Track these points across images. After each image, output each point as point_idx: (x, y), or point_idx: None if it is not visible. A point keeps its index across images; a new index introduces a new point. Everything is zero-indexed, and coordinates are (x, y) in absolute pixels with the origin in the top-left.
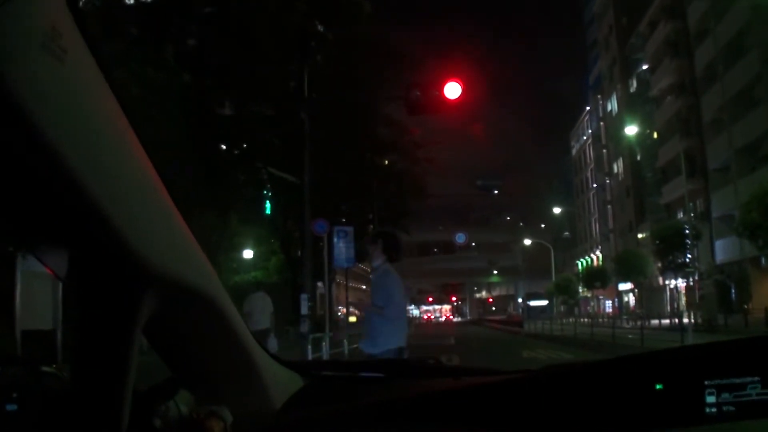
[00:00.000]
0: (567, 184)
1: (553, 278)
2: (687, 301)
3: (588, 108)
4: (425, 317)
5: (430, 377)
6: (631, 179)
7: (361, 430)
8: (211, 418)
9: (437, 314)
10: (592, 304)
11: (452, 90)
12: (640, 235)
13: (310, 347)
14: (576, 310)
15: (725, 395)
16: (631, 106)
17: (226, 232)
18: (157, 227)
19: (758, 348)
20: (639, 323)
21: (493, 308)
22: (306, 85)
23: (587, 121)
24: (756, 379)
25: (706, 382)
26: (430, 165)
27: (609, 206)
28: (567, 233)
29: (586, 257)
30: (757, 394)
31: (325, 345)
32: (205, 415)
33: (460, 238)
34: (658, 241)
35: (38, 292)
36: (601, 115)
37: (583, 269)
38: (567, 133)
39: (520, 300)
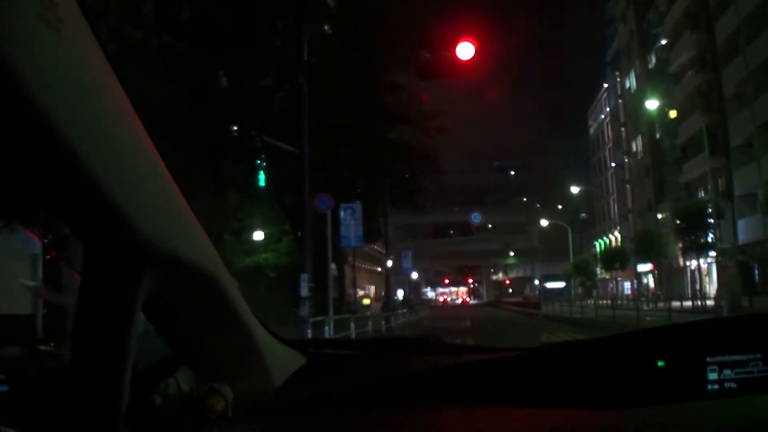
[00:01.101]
0: (585, 164)
1: (571, 260)
2: (720, 282)
3: (606, 85)
4: (441, 299)
5: (431, 354)
6: (651, 158)
7: (361, 408)
8: (212, 395)
9: (453, 296)
10: (611, 285)
11: (465, 50)
12: (659, 215)
13: (310, 331)
14: (594, 291)
15: (727, 372)
16: (650, 83)
17: (228, 210)
18: (156, 204)
19: (759, 325)
20: (661, 305)
21: (510, 290)
22: (305, 47)
23: (605, 99)
24: (758, 356)
25: (707, 359)
26: (442, 135)
27: (627, 186)
28: (584, 215)
29: (604, 238)
30: (759, 371)
31: (328, 329)
32: (206, 393)
33: (476, 218)
34: (678, 221)
35: (15, 273)
36: (619, 92)
37: (601, 250)
38: (585, 112)
39: (536, 282)
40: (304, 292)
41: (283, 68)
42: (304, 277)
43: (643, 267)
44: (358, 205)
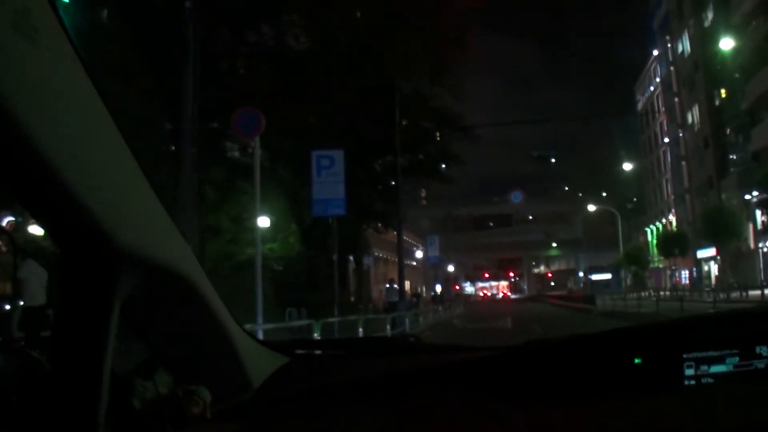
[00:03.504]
0: (632, 145)
1: (621, 248)
2: None
3: (656, 53)
4: (481, 294)
5: (410, 355)
6: (710, 127)
7: (338, 408)
8: (190, 397)
9: (494, 291)
10: (669, 273)
11: None
12: (723, 195)
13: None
14: (649, 282)
15: (703, 367)
16: (707, 42)
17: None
18: (132, 207)
19: (735, 321)
20: (735, 295)
21: (552, 283)
22: None
23: (654, 69)
24: (734, 351)
25: (684, 356)
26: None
27: (683, 162)
28: (631, 203)
29: (656, 223)
30: (735, 366)
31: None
32: (184, 395)
33: (516, 197)
34: (756, 193)
35: None
36: (671, 58)
37: (659, 235)
38: (630, 89)
39: (581, 274)
40: None
41: None
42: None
43: (703, 253)
44: (338, 154)
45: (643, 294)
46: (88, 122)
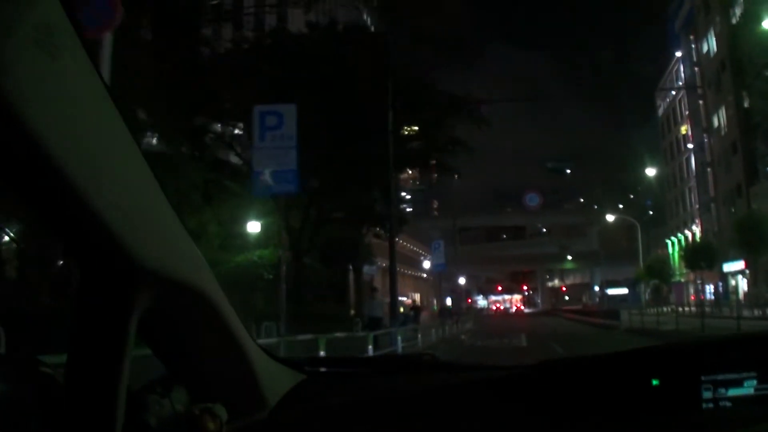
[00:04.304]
0: (651, 153)
1: (641, 261)
2: None
3: (678, 54)
4: (494, 307)
5: (426, 373)
6: (739, 131)
7: (355, 427)
8: (206, 415)
9: (507, 304)
10: (693, 287)
11: None
12: (753, 204)
13: None
14: (671, 297)
15: (721, 391)
16: (736, 39)
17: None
18: (150, 223)
19: (754, 344)
20: None
21: (566, 297)
22: None
23: (676, 71)
24: (752, 374)
25: (702, 378)
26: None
27: (709, 169)
28: (650, 214)
29: (678, 234)
30: (755, 389)
31: None
32: (200, 413)
33: (533, 199)
34: None
35: None
36: (695, 59)
37: (684, 246)
38: (649, 96)
39: (596, 288)
40: None
41: None
42: None
43: (730, 266)
44: (289, 110)
45: (665, 309)
46: (107, 138)
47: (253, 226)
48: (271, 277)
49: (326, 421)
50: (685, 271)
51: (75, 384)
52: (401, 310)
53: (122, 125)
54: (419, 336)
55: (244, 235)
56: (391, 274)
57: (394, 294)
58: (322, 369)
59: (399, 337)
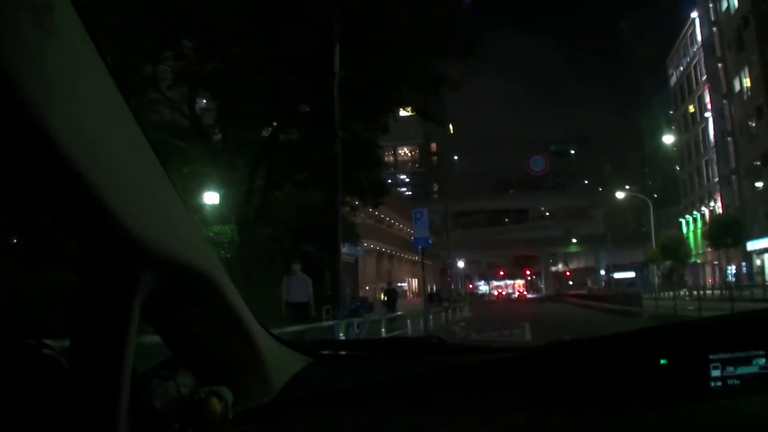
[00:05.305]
0: (662, 129)
1: (653, 241)
2: None
3: (694, 15)
4: (496, 293)
5: (434, 355)
6: (765, 94)
7: (362, 409)
8: (212, 397)
9: (509, 289)
10: (711, 269)
11: None
12: None
13: None
14: (688, 279)
15: (730, 369)
16: None
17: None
18: (153, 205)
19: (763, 322)
20: None
21: (570, 282)
22: None
23: (691, 35)
24: (761, 352)
25: (710, 357)
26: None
27: (729, 138)
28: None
29: (694, 213)
30: (762, 368)
31: None
32: (206, 395)
33: (537, 163)
34: None
35: None
36: (713, 18)
37: (707, 222)
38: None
39: (602, 272)
40: None
41: None
42: None
43: (755, 244)
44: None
45: (681, 293)
46: (109, 119)
47: (211, 197)
48: (229, 256)
49: (333, 404)
50: (702, 251)
51: (79, 367)
52: (347, 291)
53: (124, 105)
54: (383, 329)
55: (199, 208)
56: (335, 243)
57: (337, 269)
58: (329, 352)
59: (341, 333)
